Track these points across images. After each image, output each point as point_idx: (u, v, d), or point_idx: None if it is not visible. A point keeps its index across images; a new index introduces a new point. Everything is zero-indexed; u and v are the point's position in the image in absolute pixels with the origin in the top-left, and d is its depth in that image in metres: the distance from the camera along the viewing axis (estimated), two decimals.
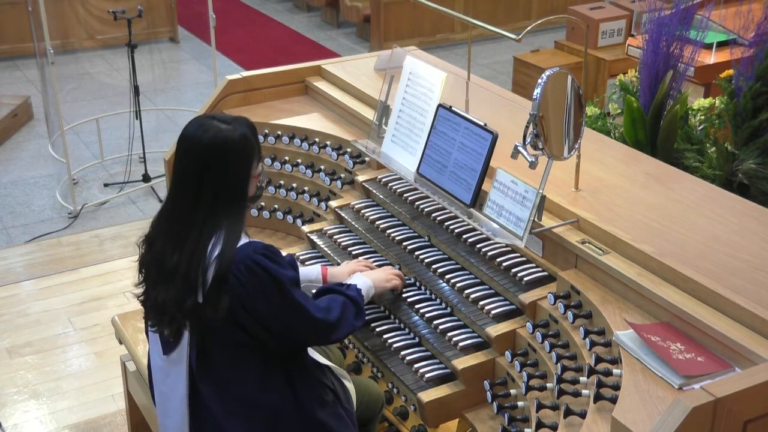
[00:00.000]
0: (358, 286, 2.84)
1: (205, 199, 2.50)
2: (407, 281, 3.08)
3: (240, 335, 2.53)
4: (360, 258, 3.19)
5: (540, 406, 2.49)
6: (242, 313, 2.50)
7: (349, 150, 3.67)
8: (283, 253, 3.34)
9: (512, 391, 2.69)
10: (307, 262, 3.33)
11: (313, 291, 2.95)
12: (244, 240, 2.55)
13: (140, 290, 2.66)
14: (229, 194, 2.53)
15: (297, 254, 3.38)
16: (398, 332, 2.96)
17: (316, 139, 3.81)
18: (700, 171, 3.93)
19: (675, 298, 2.45)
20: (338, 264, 3.23)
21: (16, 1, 8.47)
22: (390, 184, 3.41)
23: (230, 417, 2.59)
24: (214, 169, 2.50)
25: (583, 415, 2.35)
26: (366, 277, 2.92)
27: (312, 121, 3.93)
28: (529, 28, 2.83)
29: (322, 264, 3.14)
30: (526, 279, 2.81)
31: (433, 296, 3.01)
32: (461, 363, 2.73)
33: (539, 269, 2.85)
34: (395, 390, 2.88)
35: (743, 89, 3.96)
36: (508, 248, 2.94)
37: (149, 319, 2.63)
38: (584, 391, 2.43)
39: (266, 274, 2.50)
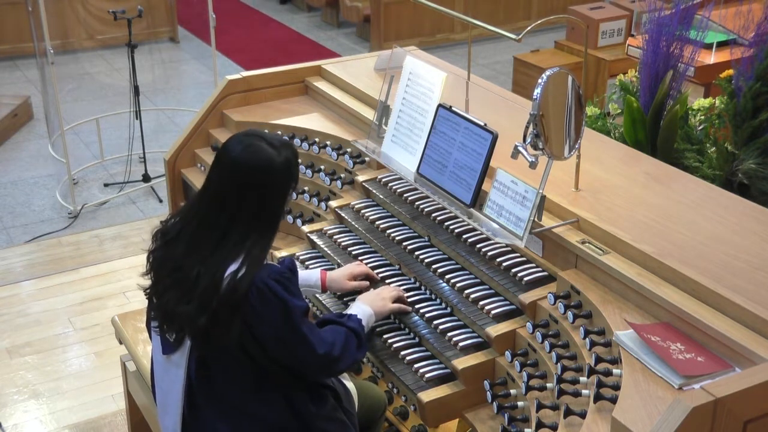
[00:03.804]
0: (358, 317, 2.80)
1: (241, 220, 2.47)
2: (408, 282, 3.08)
3: (242, 355, 2.51)
4: (358, 261, 3.17)
5: (540, 406, 2.49)
6: (247, 335, 2.48)
7: (349, 150, 3.67)
8: (284, 254, 3.36)
9: (512, 391, 2.69)
10: (306, 262, 3.32)
11: (321, 297, 2.94)
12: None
13: (146, 281, 2.62)
14: (264, 218, 2.51)
15: (297, 254, 3.38)
16: (398, 332, 2.95)
17: (316, 139, 3.81)
18: (700, 171, 3.93)
19: (675, 298, 2.45)
20: (339, 265, 3.23)
21: (16, 1, 8.47)
22: (390, 184, 3.41)
23: (225, 426, 2.58)
24: (254, 193, 2.48)
25: (583, 415, 2.35)
26: (366, 305, 2.88)
27: (312, 121, 3.93)
28: (529, 28, 2.83)
29: (321, 268, 3.13)
30: (526, 279, 2.81)
31: (433, 296, 3.01)
32: (461, 363, 2.73)
33: (539, 269, 2.85)
34: (395, 390, 2.88)
35: (743, 89, 3.96)
36: (508, 248, 2.94)
37: (155, 318, 2.59)
38: (584, 391, 2.43)
39: (277, 301, 2.47)
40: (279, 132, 3.85)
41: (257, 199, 2.49)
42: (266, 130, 3.50)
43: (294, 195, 2.65)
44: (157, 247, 2.60)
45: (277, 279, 2.50)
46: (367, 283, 3.09)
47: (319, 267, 3.28)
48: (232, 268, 2.45)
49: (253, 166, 2.49)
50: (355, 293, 3.08)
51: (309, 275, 3.04)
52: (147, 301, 2.65)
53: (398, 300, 2.95)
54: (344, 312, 2.86)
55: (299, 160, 3.73)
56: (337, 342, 2.65)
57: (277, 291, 2.48)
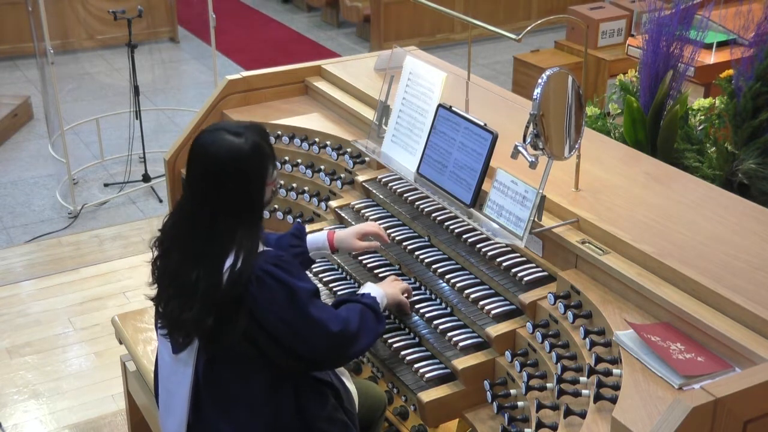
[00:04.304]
0: (372, 294, 2.79)
1: (224, 215, 2.45)
2: (408, 282, 3.07)
3: (250, 349, 2.51)
4: (371, 221, 3.13)
5: (540, 406, 2.49)
6: (254, 327, 2.47)
7: (349, 150, 3.67)
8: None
9: (512, 391, 2.69)
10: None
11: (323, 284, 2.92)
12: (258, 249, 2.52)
13: (152, 291, 2.62)
14: (245, 207, 2.49)
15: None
16: (398, 332, 2.95)
17: (316, 139, 3.81)
18: (700, 171, 3.93)
19: (675, 298, 2.45)
20: (340, 265, 3.23)
21: (16, 1, 8.47)
22: (390, 184, 3.41)
23: (229, 423, 2.57)
24: (230, 185, 2.46)
25: (583, 415, 2.35)
26: (378, 287, 2.88)
27: (312, 121, 3.93)
28: (529, 28, 2.83)
29: (329, 229, 3.11)
30: (526, 279, 2.81)
31: (433, 296, 3.01)
32: (461, 363, 2.73)
33: (539, 269, 2.85)
34: (395, 390, 2.88)
35: (743, 89, 3.96)
36: (508, 248, 2.94)
37: (163, 326, 2.58)
38: (584, 391, 2.43)
39: (278, 285, 2.45)
40: (279, 132, 3.85)
41: (235, 190, 2.47)
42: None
43: (275, 174, 2.59)
44: (157, 257, 2.60)
45: (276, 263, 2.47)
46: (378, 243, 3.07)
47: (320, 266, 3.29)
48: (228, 263, 2.44)
49: (221, 160, 2.45)
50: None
51: (316, 238, 3.00)
52: (154, 309, 2.65)
53: (405, 294, 2.96)
54: (357, 292, 2.85)
55: (299, 160, 3.77)
56: (352, 318, 2.62)
57: (277, 275, 2.46)
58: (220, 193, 2.46)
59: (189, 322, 2.45)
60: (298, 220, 3.68)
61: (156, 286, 2.60)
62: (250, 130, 2.52)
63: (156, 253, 2.60)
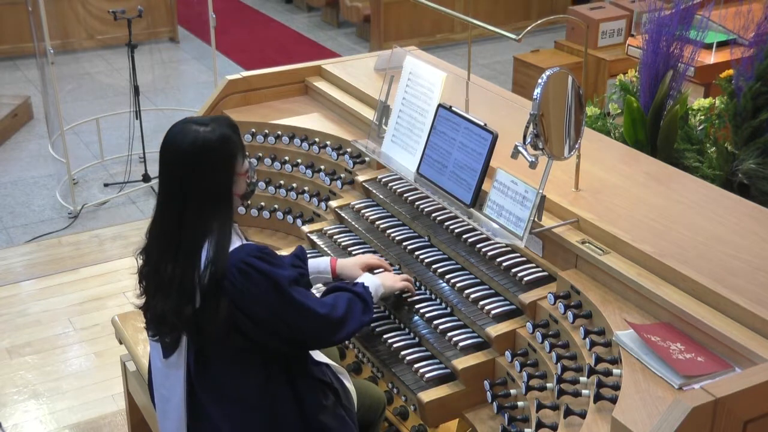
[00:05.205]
0: (365, 284, 2.81)
1: (193, 205, 2.47)
2: None
3: (239, 340, 2.52)
4: (377, 255, 3.13)
5: (540, 406, 2.49)
6: (240, 318, 2.48)
7: (349, 150, 3.67)
8: (284, 254, 3.36)
9: (512, 391, 2.69)
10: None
11: (322, 285, 2.96)
12: (237, 243, 2.52)
13: (141, 301, 2.64)
14: (215, 197, 2.50)
15: None
16: (398, 332, 2.95)
17: (316, 139, 3.81)
18: (700, 171, 3.93)
19: (675, 298, 2.45)
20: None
21: (16, 1, 8.47)
22: (390, 184, 3.41)
23: (228, 421, 2.58)
24: (197, 174, 2.46)
25: (583, 415, 2.35)
26: (376, 278, 2.89)
27: (312, 121, 3.93)
28: (529, 28, 2.83)
29: (331, 256, 3.12)
30: (526, 279, 2.81)
31: (433, 296, 3.01)
32: (461, 363, 2.73)
33: (539, 269, 2.85)
34: (395, 390, 2.88)
35: (743, 89, 3.97)
36: (508, 248, 2.94)
37: (149, 329, 2.61)
38: (584, 391, 2.43)
39: (260, 276, 2.48)
40: (279, 132, 3.85)
41: (203, 179, 2.47)
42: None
43: (247, 164, 2.60)
44: (142, 264, 2.62)
45: (257, 255, 2.49)
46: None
47: None
48: (204, 255, 2.46)
49: (187, 151, 2.46)
50: None
51: (318, 262, 3.02)
52: (144, 317, 2.66)
53: (407, 291, 2.97)
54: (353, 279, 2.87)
55: (299, 160, 3.77)
56: (339, 304, 2.65)
57: (260, 266, 2.48)
58: (189, 183, 2.47)
59: (169, 312, 2.47)
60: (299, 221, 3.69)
61: (143, 294, 2.62)
62: (217, 121, 2.55)
63: (141, 261, 2.62)
